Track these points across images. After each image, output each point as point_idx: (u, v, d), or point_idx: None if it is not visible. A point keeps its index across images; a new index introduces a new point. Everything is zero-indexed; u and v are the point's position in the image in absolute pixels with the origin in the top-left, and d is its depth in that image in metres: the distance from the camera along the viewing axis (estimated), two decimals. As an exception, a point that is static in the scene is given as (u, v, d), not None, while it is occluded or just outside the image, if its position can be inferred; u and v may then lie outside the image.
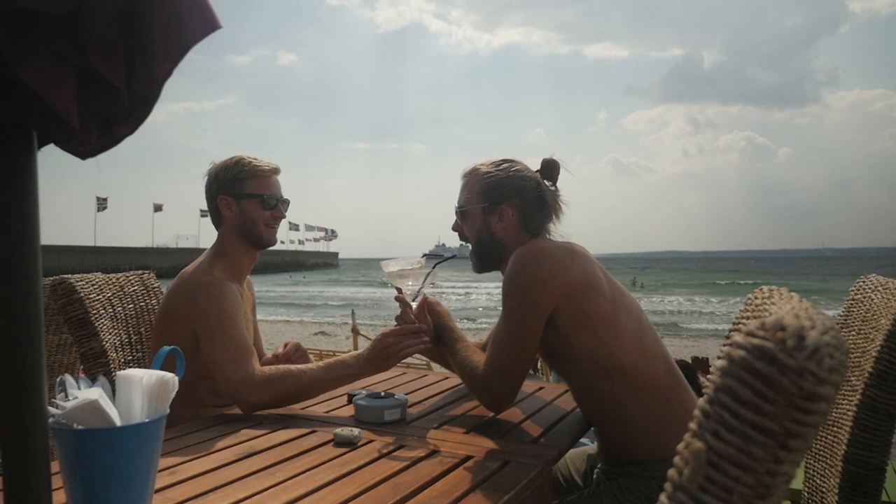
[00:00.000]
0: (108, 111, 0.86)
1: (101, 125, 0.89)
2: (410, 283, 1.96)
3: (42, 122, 0.84)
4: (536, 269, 1.72)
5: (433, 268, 1.97)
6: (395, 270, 1.93)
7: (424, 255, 1.99)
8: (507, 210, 1.89)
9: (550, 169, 1.95)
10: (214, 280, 2.04)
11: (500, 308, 1.82)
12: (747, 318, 0.97)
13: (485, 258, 1.97)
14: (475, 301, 38.04)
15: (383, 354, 1.89)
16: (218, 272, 2.09)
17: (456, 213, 2.00)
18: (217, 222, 2.22)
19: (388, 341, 1.89)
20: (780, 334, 0.55)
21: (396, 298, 1.99)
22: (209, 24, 0.82)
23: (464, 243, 2.04)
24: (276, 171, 2.24)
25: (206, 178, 2.21)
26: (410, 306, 1.96)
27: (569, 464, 2.12)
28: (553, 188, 1.95)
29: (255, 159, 2.20)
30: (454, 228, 2.02)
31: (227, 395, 1.89)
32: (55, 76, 0.79)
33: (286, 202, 2.26)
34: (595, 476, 1.91)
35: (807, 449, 0.59)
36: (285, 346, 2.37)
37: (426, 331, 1.94)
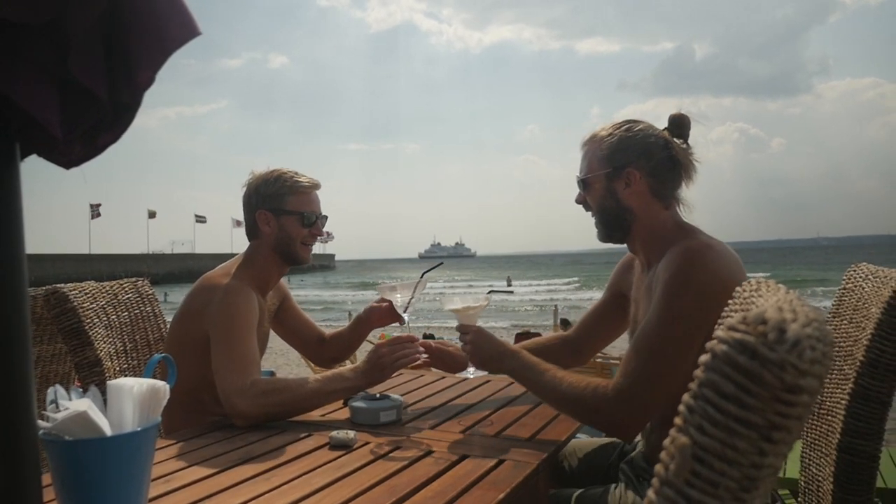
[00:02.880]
0: (90, 120, 0.85)
1: (85, 134, 0.89)
2: (399, 295, 1.97)
3: (24, 132, 0.84)
4: (716, 270, 1.53)
5: (421, 277, 1.97)
6: (460, 308, 1.90)
7: (490, 291, 1.98)
8: (633, 173, 1.72)
9: (679, 124, 1.77)
10: (235, 285, 2.02)
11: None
12: (735, 311, 0.98)
13: (610, 226, 1.80)
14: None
15: (379, 365, 1.87)
16: (242, 279, 2.06)
17: (578, 183, 1.85)
18: (252, 235, 2.19)
19: (383, 352, 1.88)
20: (762, 328, 0.55)
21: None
22: (189, 30, 0.82)
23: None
24: (316, 186, 2.21)
25: (244, 189, 2.19)
26: (403, 318, 1.96)
27: (577, 453, 2.06)
28: (684, 146, 1.76)
29: (296, 174, 2.18)
30: (577, 201, 1.87)
31: (223, 404, 1.86)
32: (36, 86, 0.79)
33: (324, 218, 2.24)
34: (621, 474, 1.84)
35: (792, 441, 0.59)
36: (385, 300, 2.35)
37: (417, 340, 1.92)
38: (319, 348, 2.54)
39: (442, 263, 2.01)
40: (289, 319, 2.47)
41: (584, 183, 1.82)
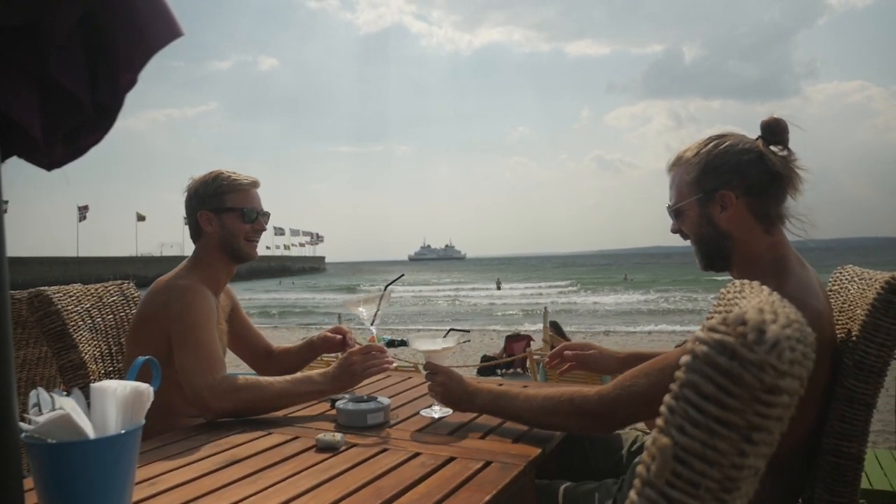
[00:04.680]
0: (71, 122, 0.85)
1: (66, 136, 0.89)
2: (363, 308, 2.04)
3: (4, 133, 0.83)
4: None
5: (384, 289, 2.03)
6: (434, 350, 1.90)
7: (451, 330, 1.99)
8: (728, 195, 1.57)
9: (775, 130, 1.59)
10: (190, 284, 2.07)
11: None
12: (718, 312, 0.98)
13: (710, 255, 1.66)
14: (462, 304, 38.08)
15: (349, 372, 1.95)
16: (194, 280, 2.11)
17: (669, 213, 1.72)
18: (196, 237, 2.23)
19: (353, 359, 1.96)
20: (741, 329, 0.55)
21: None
22: (171, 32, 0.82)
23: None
24: (255, 184, 2.26)
25: (185, 193, 2.23)
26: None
27: (583, 442, 2.05)
28: (784, 152, 1.59)
29: (234, 173, 2.22)
30: (673, 230, 1.75)
31: (191, 401, 1.90)
32: (16, 88, 0.78)
33: (266, 215, 2.28)
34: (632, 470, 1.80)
35: (773, 442, 0.59)
36: (337, 331, 2.44)
37: (387, 351, 1.99)
38: (266, 361, 2.55)
39: (403, 276, 2.09)
40: (238, 328, 2.48)
41: (675, 212, 1.70)
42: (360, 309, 2.03)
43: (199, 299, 2.03)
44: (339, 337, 2.42)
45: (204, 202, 2.18)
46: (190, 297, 2.02)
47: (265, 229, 2.28)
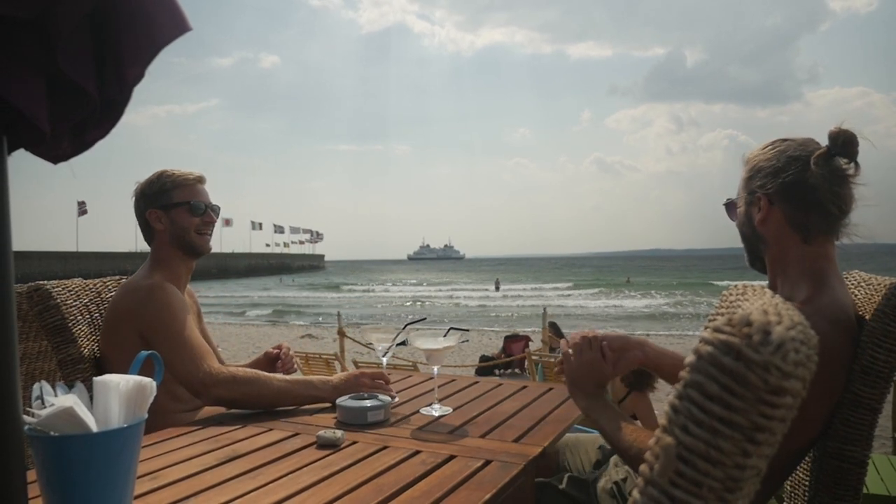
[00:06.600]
0: (78, 115, 0.85)
1: (73, 129, 0.89)
2: (382, 336, 2.09)
3: (11, 126, 0.83)
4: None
5: (403, 327, 2.07)
6: (435, 348, 1.92)
7: (451, 328, 1.99)
8: (762, 199, 1.56)
9: (840, 142, 1.51)
10: (156, 283, 2.10)
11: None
12: (721, 314, 0.98)
13: (751, 253, 1.68)
14: (458, 305, 38.07)
15: (353, 391, 1.99)
16: (157, 278, 2.14)
17: (725, 207, 1.75)
18: (149, 238, 2.26)
19: (363, 381, 2.02)
20: (747, 330, 0.56)
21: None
22: (179, 27, 0.82)
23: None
24: (200, 179, 2.29)
25: (133, 197, 2.26)
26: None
27: (579, 446, 2.08)
28: (846, 166, 1.51)
29: (179, 170, 2.25)
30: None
31: (190, 389, 1.95)
32: (24, 81, 0.78)
33: (216, 208, 2.31)
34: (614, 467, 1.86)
35: (775, 443, 0.60)
36: (278, 348, 2.51)
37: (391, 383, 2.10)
38: None
39: (426, 318, 2.15)
40: None
41: (727, 206, 1.74)
42: (381, 337, 2.10)
43: (167, 296, 2.07)
44: (276, 352, 2.48)
45: (151, 201, 2.21)
46: (158, 294, 2.06)
47: (215, 222, 2.32)
